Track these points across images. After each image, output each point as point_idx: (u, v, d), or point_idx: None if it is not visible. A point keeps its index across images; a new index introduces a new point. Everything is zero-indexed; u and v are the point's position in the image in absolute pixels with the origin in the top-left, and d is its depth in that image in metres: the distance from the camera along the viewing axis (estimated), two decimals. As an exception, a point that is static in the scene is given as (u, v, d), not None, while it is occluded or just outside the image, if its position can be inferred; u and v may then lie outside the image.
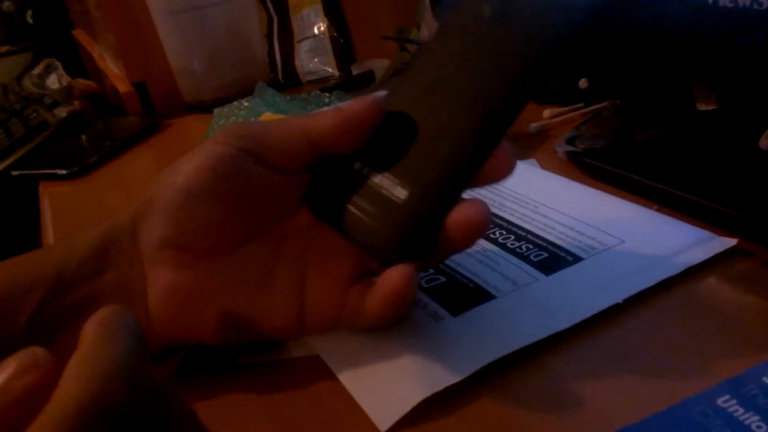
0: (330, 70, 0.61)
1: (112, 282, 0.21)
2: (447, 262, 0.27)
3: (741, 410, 0.18)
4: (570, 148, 0.34)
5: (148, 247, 0.21)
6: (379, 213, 0.20)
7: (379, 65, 0.57)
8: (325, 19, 0.61)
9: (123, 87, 0.61)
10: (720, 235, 0.26)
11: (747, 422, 0.17)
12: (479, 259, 0.27)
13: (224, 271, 0.22)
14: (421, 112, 0.21)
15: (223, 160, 0.21)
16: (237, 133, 0.21)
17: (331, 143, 0.22)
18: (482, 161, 0.20)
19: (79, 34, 0.94)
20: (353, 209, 0.21)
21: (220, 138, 0.21)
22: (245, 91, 0.51)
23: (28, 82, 0.70)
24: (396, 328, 0.23)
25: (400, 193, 0.20)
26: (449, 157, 0.20)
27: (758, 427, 0.17)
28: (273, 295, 0.22)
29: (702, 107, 0.28)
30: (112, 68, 0.69)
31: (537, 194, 0.31)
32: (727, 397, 0.18)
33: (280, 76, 0.63)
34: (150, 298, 0.21)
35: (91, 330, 0.13)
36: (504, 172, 0.20)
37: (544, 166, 0.35)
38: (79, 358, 0.13)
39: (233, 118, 0.48)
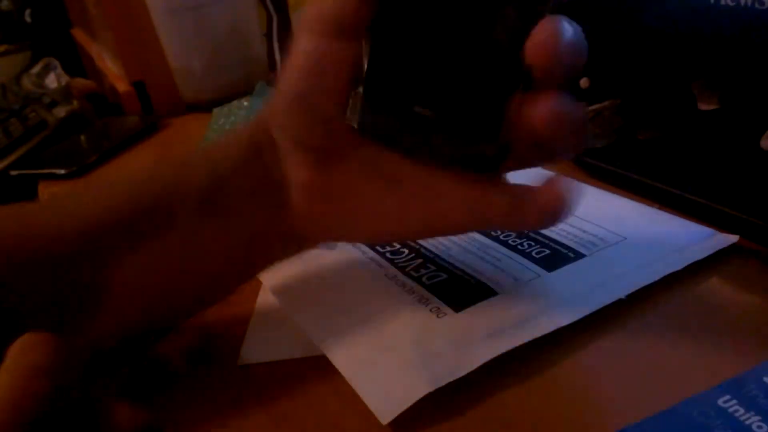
0: (329, 69, 0.60)
1: (259, 181, 0.23)
2: (448, 258, 0.27)
3: (742, 410, 0.18)
4: (570, 147, 0.34)
5: (283, 150, 0.23)
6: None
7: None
8: (325, 18, 0.61)
9: (122, 86, 0.61)
10: (721, 233, 0.26)
11: (748, 422, 0.17)
12: (481, 256, 0.27)
13: (353, 169, 0.22)
14: None
15: (315, 55, 0.20)
16: (315, 16, 0.21)
17: None
18: None
19: (78, 34, 0.94)
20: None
21: (306, 26, 0.21)
22: (245, 90, 0.51)
23: (26, 82, 0.70)
24: (399, 323, 0.23)
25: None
26: None
27: (759, 427, 0.17)
28: (402, 196, 0.22)
29: (703, 107, 0.28)
30: (111, 67, 0.69)
31: None
32: (727, 397, 0.18)
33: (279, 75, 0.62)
34: (293, 196, 0.23)
35: (11, 350, 0.15)
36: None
37: (545, 166, 0.35)
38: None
39: (233, 117, 0.48)
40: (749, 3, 0.24)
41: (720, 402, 0.18)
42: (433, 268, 0.26)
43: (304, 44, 0.20)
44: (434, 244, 0.28)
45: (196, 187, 0.23)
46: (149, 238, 0.22)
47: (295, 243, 0.25)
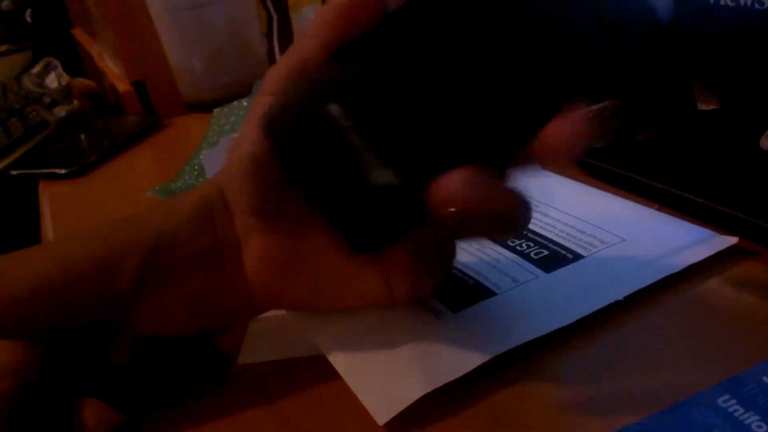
0: (330, 69, 0.60)
1: (208, 246, 0.22)
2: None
3: (741, 410, 0.18)
4: (570, 147, 0.34)
5: (239, 215, 0.22)
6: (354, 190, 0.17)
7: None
8: (325, 18, 0.61)
9: (122, 86, 0.61)
10: (721, 234, 0.26)
11: (747, 422, 0.17)
12: (479, 257, 0.27)
13: (311, 237, 0.22)
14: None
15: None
16: (278, 82, 0.20)
17: (336, 34, 0.19)
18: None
19: (78, 33, 0.94)
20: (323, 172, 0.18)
21: (267, 90, 0.21)
22: (245, 90, 0.51)
23: (27, 81, 0.70)
24: (397, 323, 0.23)
25: (382, 178, 0.17)
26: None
27: (758, 426, 0.17)
28: (362, 270, 0.22)
29: (703, 107, 0.28)
30: (111, 67, 0.69)
31: (537, 193, 0.31)
32: (727, 396, 0.18)
33: (279, 75, 0.62)
34: (246, 263, 0.22)
35: None
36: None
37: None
38: None
39: (233, 118, 0.48)
40: (749, 3, 0.24)
41: (719, 401, 0.18)
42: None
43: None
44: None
45: (139, 246, 0.22)
46: (83, 301, 0.21)
47: (247, 308, 0.24)
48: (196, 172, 0.43)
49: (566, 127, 0.16)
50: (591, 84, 0.17)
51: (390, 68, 0.17)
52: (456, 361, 0.21)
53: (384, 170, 0.17)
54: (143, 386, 0.23)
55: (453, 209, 0.16)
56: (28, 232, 0.51)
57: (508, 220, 0.17)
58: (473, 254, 0.27)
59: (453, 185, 0.16)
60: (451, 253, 0.22)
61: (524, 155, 0.18)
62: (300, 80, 0.19)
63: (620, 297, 0.23)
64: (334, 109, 0.17)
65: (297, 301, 0.23)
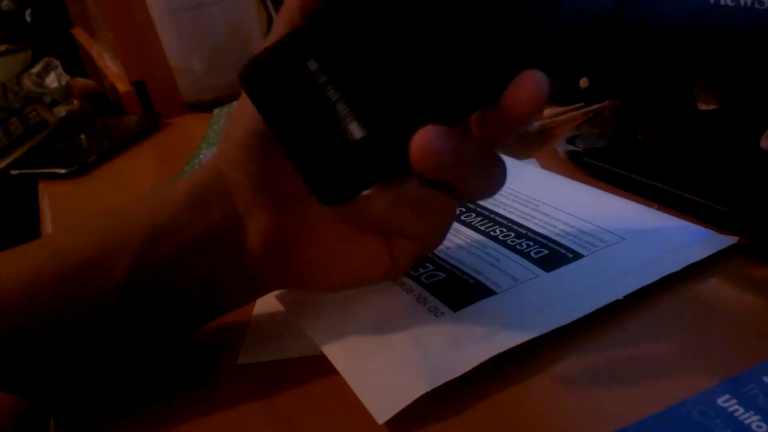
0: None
1: (206, 230, 0.22)
2: (447, 258, 0.27)
3: (741, 410, 0.18)
4: (570, 147, 0.34)
5: (242, 194, 0.22)
6: (325, 144, 0.19)
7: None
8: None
9: (122, 86, 0.61)
10: (721, 234, 0.26)
11: (747, 422, 0.17)
12: (479, 256, 0.27)
13: (315, 211, 0.22)
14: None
15: None
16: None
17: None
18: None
19: (78, 33, 0.94)
20: (295, 124, 0.19)
21: None
22: (245, 90, 0.51)
23: (27, 81, 0.70)
24: (397, 322, 0.23)
25: (356, 131, 0.18)
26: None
27: (759, 426, 0.17)
28: (365, 239, 0.22)
29: (702, 107, 0.28)
30: (111, 67, 0.69)
31: (537, 193, 0.31)
32: (727, 396, 0.18)
33: (279, 75, 0.62)
34: (250, 241, 0.22)
35: None
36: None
37: (544, 166, 0.35)
38: None
39: (233, 117, 0.48)
40: (749, 3, 0.24)
41: (720, 401, 0.18)
42: (431, 267, 0.26)
43: None
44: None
45: (132, 239, 0.21)
46: (77, 295, 0.21)
47: (250, 289, 0.24)
48: (196, 172, 0.43)
49: (525, 90, 0.17)
50: (548, 52, 0.18)
51: (359, 28, 0.19)
52: (456, 359, 0.21)
53: (353, 121, 0.19)
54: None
55: (430, 158, 0.17)
56: (28, 232, 0.51)
57: (482, 173, 0.19)
58: (473, 253, 0.27)
59: (430, 134, 0.17)
60: (449, 210, 0.22)
61: (489, 121, 0.19)
62: (277, 40, 0.20)
63: (620, 296, 0.23)
64: (310, 64, 0.19)
65: (302, 278, 0.23)
